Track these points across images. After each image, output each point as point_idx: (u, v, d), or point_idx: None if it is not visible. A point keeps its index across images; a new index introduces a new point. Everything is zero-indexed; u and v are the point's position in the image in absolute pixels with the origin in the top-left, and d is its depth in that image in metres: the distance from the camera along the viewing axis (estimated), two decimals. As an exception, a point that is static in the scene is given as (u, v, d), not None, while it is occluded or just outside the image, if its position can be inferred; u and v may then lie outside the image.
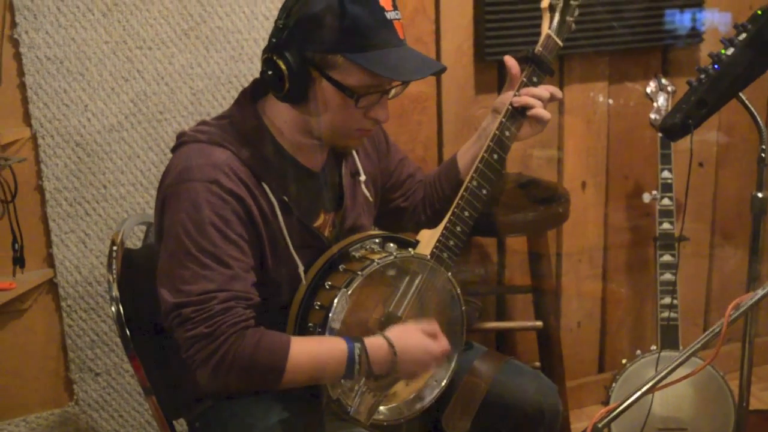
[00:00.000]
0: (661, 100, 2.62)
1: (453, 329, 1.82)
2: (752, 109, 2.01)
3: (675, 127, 1.98)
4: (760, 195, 2.03)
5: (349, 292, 1.61)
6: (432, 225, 1.84)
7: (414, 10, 2.50)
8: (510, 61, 1.85)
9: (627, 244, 2.97)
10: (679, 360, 1.59)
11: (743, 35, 1.93)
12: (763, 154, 2.01)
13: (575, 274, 2.93)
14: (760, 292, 1.61)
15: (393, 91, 1.64)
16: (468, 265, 2.66)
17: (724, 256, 3.10)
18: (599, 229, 2.94)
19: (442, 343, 1.71)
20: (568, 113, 2.79)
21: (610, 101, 2.84)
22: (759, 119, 2.04)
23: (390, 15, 1.57)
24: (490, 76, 2.63)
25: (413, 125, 2.58)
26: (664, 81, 2.64)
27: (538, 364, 2.58)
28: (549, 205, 2.39)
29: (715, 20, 2.84)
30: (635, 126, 2.83)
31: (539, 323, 2.48)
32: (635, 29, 2.73)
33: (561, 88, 2.73)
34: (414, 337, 1.67)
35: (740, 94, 2.00)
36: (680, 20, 2.78)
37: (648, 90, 2.65)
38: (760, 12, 1.93)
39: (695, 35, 2.81)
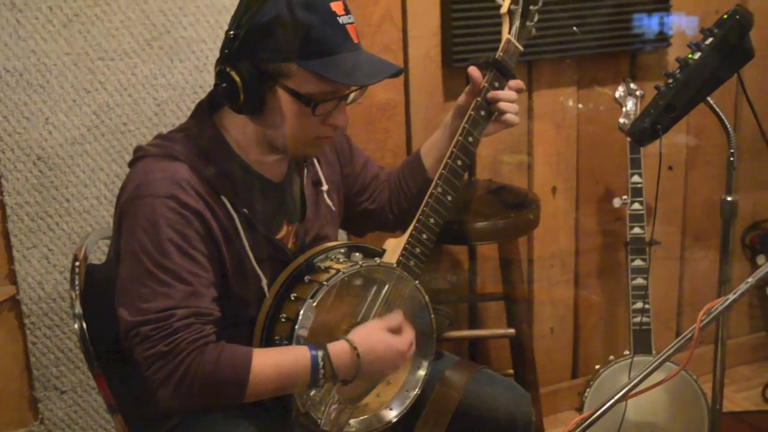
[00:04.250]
0: (629, 105, 2.62)
1: (423, 338, 1.80)
2: (720, 113, 2.01)
3: (643, 132, 1.97)
4: (729, 199, 2.03)
5: (315, 303, 1.59)
6: (400, 224, 1.83)
7: (381, 17, 2.48)
8: (474, 72, 1.84)
9: (598, 248, 2.96)
10: (652, 367, 1.58)
11: (710, 39, 1.93)
12: (731, 158, 2.01)
13: (547, 280, 2.92)
14: (731, 297, 1.60)
15: (351, 96, 1.62)
16: (439, 273, 2.64)
17: (695, 259, 3.11)
18: (570, 235, 2.93)
19: (407, 337, 1.70)
20: (538, 119, 2.78)
21: (580, 106, 2.84)
22: (727, 123, 2.04)
23: (342, 20, 1.55)
24: (458, 82, 2.61)
25: (381, 133, 2.56)
26: (632, 85, 2.64)
27: (511, 371, 2.56)
28: (519, 212, 2.38)
29: (683, 24, 2.84)
30: (605, 131, 2.83)
31: (511, 331, 2.46)
32: (603, 34, 2.73)
33: (530, 93, 2.73)
34: (377, 336, 1.65)
35: (708, 98, 1.99)
36: (648, 24, 2.78)
37: (617, 95, 2.65)
38: (725, 16, 1.93)
39: (663, 39, 2.81)
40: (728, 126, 2.03)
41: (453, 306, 2.73)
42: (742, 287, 1.62)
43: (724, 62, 1.93)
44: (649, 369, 1.52)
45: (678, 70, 1.95)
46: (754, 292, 3.24)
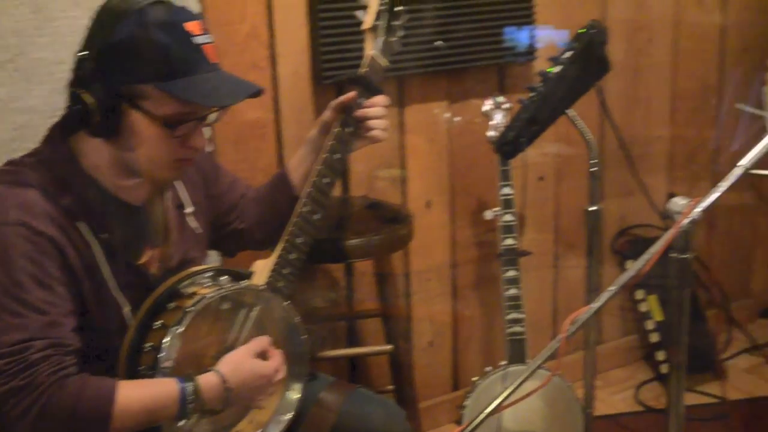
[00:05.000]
0: (498, 118, 2.65)
1: (295, 359, 1.77)
2: (581, 124, 2.06)
3: (508, 145, 2.01)
4: (593, 208, 2.08)
5: (179, 331, 1.55)
6: (270, 243, 1.80)
7: (247, 35, 2.45)
8: (341, 102, 1.84)
9: (474, 260, 3.00)
10: (524, 377, 1.60)
11: (568, 53, 1.98)
12: (592, 169, 2.06)
13: (425, 294, 2.93)
14: (595, 306, 1.64)
15: (211, 117, 1.59)
16: (315, 292, 2.62)
17: (568, 267, 3.17)
18: (447, 248, 2.95)
19: (275, 361, 1.68)
20: (410, 133, 2.79)
21: (452, 120, 2.86)
22: (588, 135, 2.09)
23: (198, 39, 1.52)
24: (329, 99, 2.53)
25: (252, 152, 2.52)
26: (500, 99, 2.67)
27: (392, 387, 2.56)
28: (393, 227, 2.38)
29: (548, 37, 2.91)
30: (477, 144, 2.86)
31: (389, 347, 2.46)
32: (471, 48, 2.76)
33: (401, 108, 2.74)
34: (246, 365, 1.62)
35: (570, 109, 2.04)
36: (514, 38, 2.83)
37: (485, 108, 2.68)
38: (582, 31, 1.98)
39: (528, 53, 2.87)
40: (588, 137, 2.08)
41: (331, 325, 2.71)
42: (605, 295, 1.65)
43: (583, 75, 1.98)
44: (520, 381, 1.54)
45: (539, 84, 2.00)
46: (625, 296, 3.34)
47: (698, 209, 1.61)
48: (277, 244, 1.76)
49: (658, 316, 3.25)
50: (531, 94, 2.00)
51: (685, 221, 1.61)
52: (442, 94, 2.84)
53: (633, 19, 3.13)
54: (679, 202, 1.63)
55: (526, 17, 2.82)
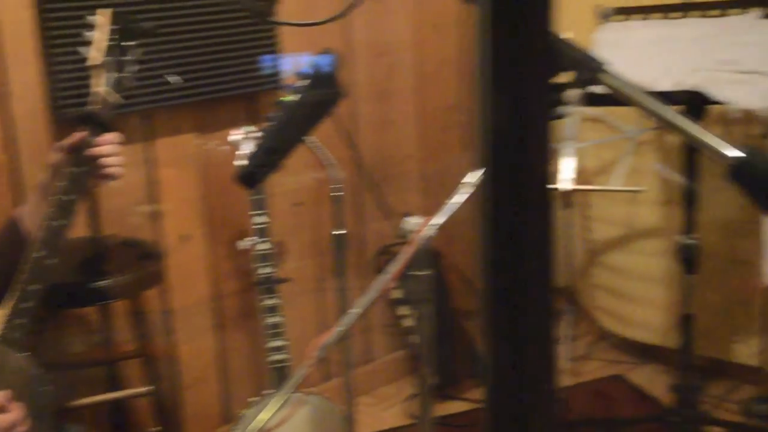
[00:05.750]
0: (248, 147, 2.64)
1: (38, 413, 1.68)
2: (321, 151, 2.10)
3: (249, 174, 2.00)
4: (338, 232, 2.12)
5: None
6: (3, 295, 1.71)
7: (-28, 75, 2.32)
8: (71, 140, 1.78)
9: (237, 292, 2.97)
10: (272, 411, 1.61)
11: (303, 81, 2.01)
12: (333, 194, 2.10)
13: (189, 330, 2.88)
14: (339, 330, 1.67)
15: None
16: (69, 338, 2.51)
17: (330, 290, 3.21)
18: (207, 281, 2.91)
19: (13, 415, 1.58)
20: (162, 167, 2.74)
21: (205, 151, 2.83)
22: (328, 160, 2.13)
23: None
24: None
25: (-14, 198, 2.38)
26: (249, 128, 2.66)
27: (158, 428, 2.49)
28: (143, 265, 2.32)
29: (296, 64, 2.94)
30: (230, 174, 2.84)
31: (149, 388, 2.39)
32: (219, 78, 2.75)
33: (151, 142, 2.69)
34: None
35: (310, 136, 2.07)
36: (260, 67, 2.85)
37: (234, 138, 2.65)
38: (315, 59, 2.02)
39: (275, 80, 2.89)
40: (329, 164, 2.12)
41: (87, 371, 2.60)
42: (350, 318, 1.70)
43: (318, 102, 2.02)
44: (261, 418, 1.54)
45: (277, 112, 2.01)
46: (389, 313, 3.41)
47: (430, 227, 1.68)
48: (10, 294, 1.67)
49: (423, 329, 3.35)
50: (271, 123, 2.01)
51: (419, 239, 1.67)
52: (192, 125, 2.81)
53: (376, 44, 3.22)
54: (411, 221, 1.69)
55: (270, 45, 2.85)
